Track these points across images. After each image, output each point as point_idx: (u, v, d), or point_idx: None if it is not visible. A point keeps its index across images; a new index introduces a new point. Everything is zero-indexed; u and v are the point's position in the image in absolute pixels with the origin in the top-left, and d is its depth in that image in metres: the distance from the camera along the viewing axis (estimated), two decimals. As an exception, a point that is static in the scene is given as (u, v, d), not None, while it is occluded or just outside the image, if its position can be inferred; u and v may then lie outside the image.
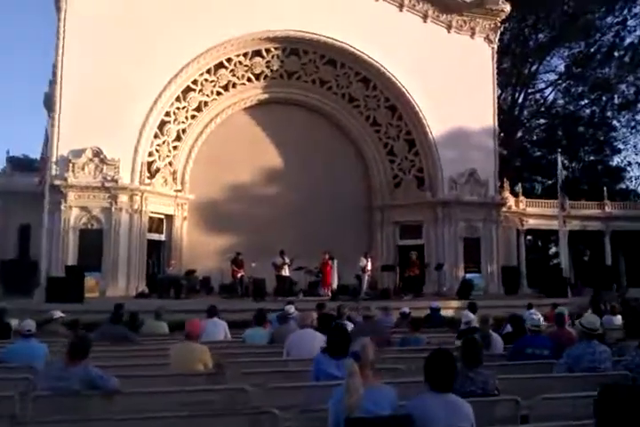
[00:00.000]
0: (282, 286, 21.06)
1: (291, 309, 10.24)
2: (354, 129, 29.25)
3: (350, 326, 10.06)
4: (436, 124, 27.99)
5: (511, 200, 31.48)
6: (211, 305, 10.89)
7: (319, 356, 5.89)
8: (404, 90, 27.90)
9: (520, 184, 33.05)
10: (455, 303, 19.48)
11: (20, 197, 24.39)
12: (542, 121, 46.99)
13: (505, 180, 31.86)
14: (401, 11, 28.52)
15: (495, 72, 30.08)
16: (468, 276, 26.17)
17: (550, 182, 41.79)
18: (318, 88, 28.72)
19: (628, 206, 35.44)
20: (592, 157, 46.69)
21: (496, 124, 29.82)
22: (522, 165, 45.03)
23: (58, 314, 11.09)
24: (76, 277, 18.40)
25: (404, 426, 4.00)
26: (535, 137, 47.24)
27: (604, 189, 34.47)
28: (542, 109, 46.55)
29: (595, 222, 33.78)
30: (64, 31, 23.59)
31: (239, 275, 21.54)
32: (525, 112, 46.36)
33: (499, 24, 30.31)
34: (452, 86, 27.66)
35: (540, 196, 37.30)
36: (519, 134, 45.10)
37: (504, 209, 29.84)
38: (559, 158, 27.19)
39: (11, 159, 28.64)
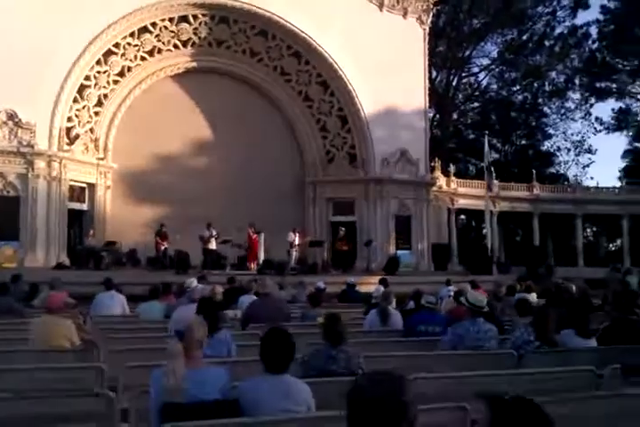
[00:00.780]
0: (208, 259, 20.33)
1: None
2: (286, 103, 28.60)
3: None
4: (369, 102, 27.74)
5: (442, 180, 31.63)
6: (106, 278, 10.24)
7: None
8: (336, 66, 27.50)
9: (451, 165, 33.20)
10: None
11: None
12: (476, 104, 47.67)
13: (437, 160, 31.97)
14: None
15: (427, 53, 30.11)
16: (399, 252, 26.16)
17: (483, 164, 42.40)
18: (249, 59, 27.86)
19: (556, 190, 36.26)
20: (524, 142, 47.79)
21: (427, 104, 29.92)
22: (456, 147, 45.58)
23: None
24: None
25: (230, 411, 3.61)
26: (470, 120, 47.85)
27: (534, 172, 35.13)
28: (476, 93, 47.20)
29: (524, 204, 34.39)
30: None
31: (163, 247, 20.64)
32: (460, 95, 46.92)
33: (431, 6, 30.28)
34: (384, 65, 27.26)
35: (474, 177, 37.76)
36: (454, 117, 45.55)
37: (435, 189, 29.99)
38: (486, 141, 27.49)
39: None
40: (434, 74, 45.41)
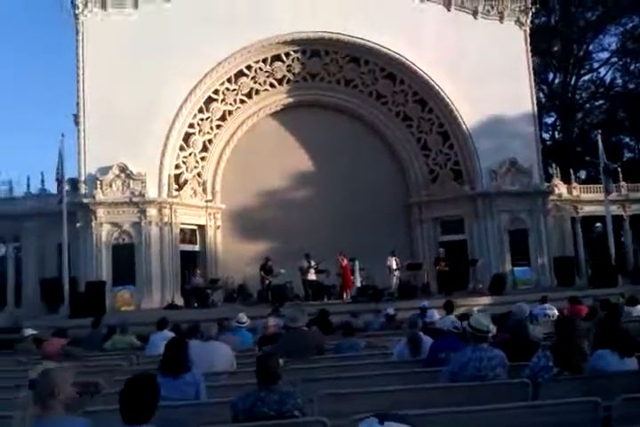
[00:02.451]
0: (309, 290, 20.49)
1: (242, 317, 9.67)
2: (384, 126, 28.44)
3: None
4: (470, 114, 26.79)
5: (563, 188, 29.57)
6: (161, 317, 10.47)
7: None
8: (432, 82, 26.92)
9: (571, 170, 30.94)
10: (486, 300, 18.28)
11: (56, 217, 25.00)
12: (601, 102, 44.31)
13: (555, 167, 30.04)
14: (422, 1, 27.55)
15: (530, 55, 28.43)
16: (516, 269, 24.75)
17: (615, 166, 39.16)
18: (343, 87, 28.17)
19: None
20: (660, 137, 43.54)
21: (535, 109, 28.27)
22: (583, 150, 42.52)
23: (29, 332, 10.99)
24: (97, 292, 18.53)
25: None
26: (596, 119, 44.53)
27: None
28: (600, 90, 43.93)
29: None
30: (83, 51, 24.17)
31: (267, 281, 21.12)
32: (583, 94, 43.96)
33: (529, 6, 28.75)
34: (484, 74, 26.43)
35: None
36: (578, 118, 42.68)
37: (554, 197, 28.10)
38: (599, 140, 25.21)
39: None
40: (550, 76, 43.20)
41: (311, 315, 14.65)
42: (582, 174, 33.97)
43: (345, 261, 20.53)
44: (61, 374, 3.90)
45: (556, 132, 42.99)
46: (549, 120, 43.79)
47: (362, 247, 23.65)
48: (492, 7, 28.45)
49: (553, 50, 42.82)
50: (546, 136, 42.90)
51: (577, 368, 5.34)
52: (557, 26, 41.59)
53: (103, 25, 24.53)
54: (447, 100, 26.95)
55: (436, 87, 26.96)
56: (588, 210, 29.45)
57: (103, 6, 24.83)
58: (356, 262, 20.44)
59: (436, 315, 9.14)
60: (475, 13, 28.09)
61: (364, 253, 22.50)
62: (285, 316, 8.98)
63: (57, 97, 77.20)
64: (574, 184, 30.26)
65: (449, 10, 27.82)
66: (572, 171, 30.81)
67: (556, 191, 28.50)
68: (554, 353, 5.40)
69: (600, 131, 26.66)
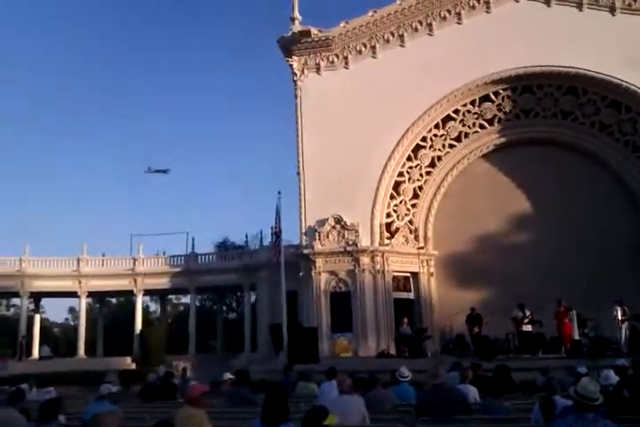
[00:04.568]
0: (524, 342, 19.26)
1: (404, 372, 9.56)
2: (611, 158, 26.05)
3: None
4: None
5: None
6: (330, 367, 10.71)
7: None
8: (662, 104, 24.14)
9: None
10: None
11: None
12: None
13: None
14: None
15: None
16: None
17: None
18: (561, 121, 26.62)
19: None
20: None
21: None
22: None
23: (227, 376, 12.09)
24: (311, 338, 19.65)
25: None
26: None
27: None
28: None
29: None
30: (301, 113, 26.45)
31: (474, 332, 20.41)
32: None
33: None
34: None
35: None
36: None
37: None
38: None
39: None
40: None
41: (516, 370, 13.83)
42: None
43: (562, 310, 18.89)
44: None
45: None
46: None
47: (590, 296, 21.60)
48: None
49: None
50: None
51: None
52: None
53: (317, 87, 26.71)
54: (684, 123, 23.90)
55: (670, 110, 24.12)
56: None
57: (317, 71, 27.10)
58: (574, 312, 18.69)
59: (612, 377, 8.11)
60: None
61: (593, 301, 20.46)
62: (428, 372, 8.71)
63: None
64: None
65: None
66: None
67: None
68: None
69: None
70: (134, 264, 31.11)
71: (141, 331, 28.40)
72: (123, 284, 31.07)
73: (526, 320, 19.53)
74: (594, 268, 24.24)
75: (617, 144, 25.96)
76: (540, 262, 24.85)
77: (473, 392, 8.89)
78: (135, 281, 30.88)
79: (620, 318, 18.41)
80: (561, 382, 7.46)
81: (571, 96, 26.15)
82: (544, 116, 26.76)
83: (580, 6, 25.63)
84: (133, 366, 26.00)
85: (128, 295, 33.02)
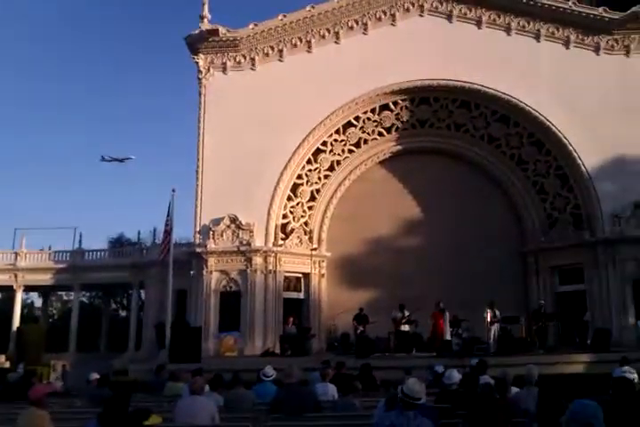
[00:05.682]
0: (401, 342, 19.98)
1: (269, 371, 9.69)
2: (497, 170, 27.49)
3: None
4: (590, 155, 25.22)
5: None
6: (197, 368, 10.70)
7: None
8: (548, 123, 25.72)
9: None
10: (585, 357, 16.67)
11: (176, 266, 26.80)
12: None
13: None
14: (538, 41, 26.71)
15: (659, 89, 26.15)
16: (640, 323, 22.35)
17: None
18: (454, 133, 27.79)
19: None
20: None
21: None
22: None
23: (94, 376, 11.77)
24: (194, 338, 19.40)
25: None
26: None
27: None
28: None
29: None
30: (204, 112, 26.17)
31: (359, 331, 20.95)
32: None
33: (663, 37, 26.61)
34: (607, 111, 25.11)
35: None
36: None
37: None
38: None
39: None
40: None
41: (388, 368, 14.31)
42: None
43: (438, 311, 19.78)
44: None
45: None
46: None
47: (470, 298, 22.80)
48: (617, 42, 26.79)
49: None
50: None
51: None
52: None
53: (222, 86, 26.52)
54: (565, 140, 25.59)
55: (553, 128, 25.78)
56: None
57: (224, 70, 26.89)
58: (446, 314, 19.61)
59: (455, 376, 8.55)
60: (597, 49, 26.61)
61: (475, 303, 21.56)
62: (283, 372, 8.88)
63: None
64: None
65: (567, 47, 26.65)
66: None
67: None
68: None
69: None
70: (15, 259, 29.65)
71: (19, 328, 27.08)
72: (2, 279, 29.57)
73: (404, 320, 20.33)
74: (477, 272, 25.47)
75: (503, 157, 27.40)
76: (427, 266, 25.86)
77: (332, 390, 9.16)
78: (16, 276, 29.43)
79: (489, 319, 19.52)
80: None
81: (464, 109, 27.34)
82: (438, 127, 27.84)
83: (479, 24, 26.85)
84: (7, 364, 24.74)
85: (8, 291, 31.45)
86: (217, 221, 25.09)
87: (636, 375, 11.32)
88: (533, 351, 18.76)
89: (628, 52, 26.69)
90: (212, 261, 24.61)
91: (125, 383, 12.64)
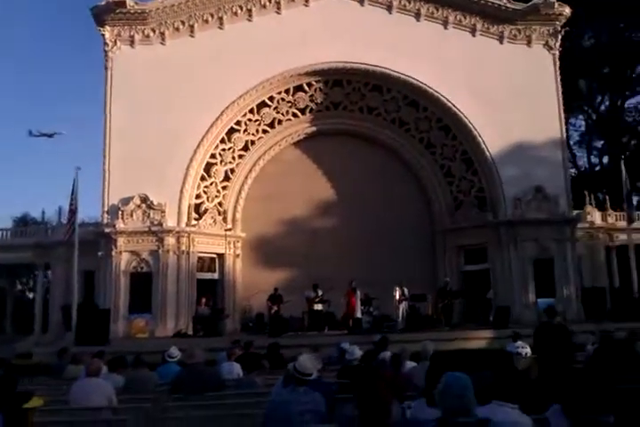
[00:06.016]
0: (314, 320, 20.40)
1: (174, 352, 9.71)
2: (407, 153, 28.23)
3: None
4: (495, 140, 26.30)
5: (596, 215, 28.31)
6: (98, 351, 10.62)
7: None
8: (454, 109, 26.58)
9: (607, 197, 29.60)
10: (485, 333, 17.65)
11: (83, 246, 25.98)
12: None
13: (589, 194, 28.85)
14: (446, 28, 27.45)
15: (559, 79, 27.60)
16: (540, 301, 23.78)
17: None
18: (366, 115, 28.21)
19: None
20: None
21: (564, 134, 27.42)
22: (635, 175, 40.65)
23: (-7, 359, 11.40)
24: (102, 320, 19.05)
25: None
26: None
27: None
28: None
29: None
30: (111, 86, 25.29)
31: (272, 311, 21.21)
32: (634, 116, 42.24)
33: (559, 28, 27.99)
34: (510, 99, 26.14)
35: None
36: (624, 140, 40.95)
37: (585, 225, 26.95)
38: (622, 165, 24.06)
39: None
40: (598, 98, 41.93)
41: (305, 346, 14.60)
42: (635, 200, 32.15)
43: (350, 290, 20.33)
44: None
45: (602, 157, 41.40)
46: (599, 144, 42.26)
47: (381, 277, 23.38)
48: (520, 31, 27.95)
49: (603, 72, 41.60)
50: (595, 161, 41.48)
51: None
52: (606, 48, 40.30)
53: (130, 60, 25.67)
54: (470, 126, 26.55)
55: (459, 113, 26.64)
56: (624, 238, 27.99)
57: (131, 44, 26.01)
58: (358, 292, 20.20)
59: (357, 352, 8.90)
60: (501, 38, 27.68)
61: (387, 282, 22.17)
62: (185, 353, 8.97)
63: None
64: (609, 211, 28.87)
65: (473, 35, 27.56)
66: (607, 197, 29.46)
67: (588, 219, 27.26)
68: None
69: (623, 157, 25.54)
70: None
71: None
72: None
73: (317, 300, 20.78)
74: (389, 252, 26.20)
75: (413, 140, 28.15)
76: (341, 246, 26.32)
77: (237, 368, 9.32)
78: None
79: (398, 298, 20.27)
80: (329, 358, 8.05)
81: (376, 93, 27.79)
82: (351, 110, 28.19)
83: (390, 9, 27.28)
84: None
85: None
86: (126, 201, 24.44)
87: (528, 350, 12.17)
88: (439, 328, 19.63)
89: (529, 42, 27.91)
90: (121, 241, 24.01)
91: (27, 366, 12.29)
